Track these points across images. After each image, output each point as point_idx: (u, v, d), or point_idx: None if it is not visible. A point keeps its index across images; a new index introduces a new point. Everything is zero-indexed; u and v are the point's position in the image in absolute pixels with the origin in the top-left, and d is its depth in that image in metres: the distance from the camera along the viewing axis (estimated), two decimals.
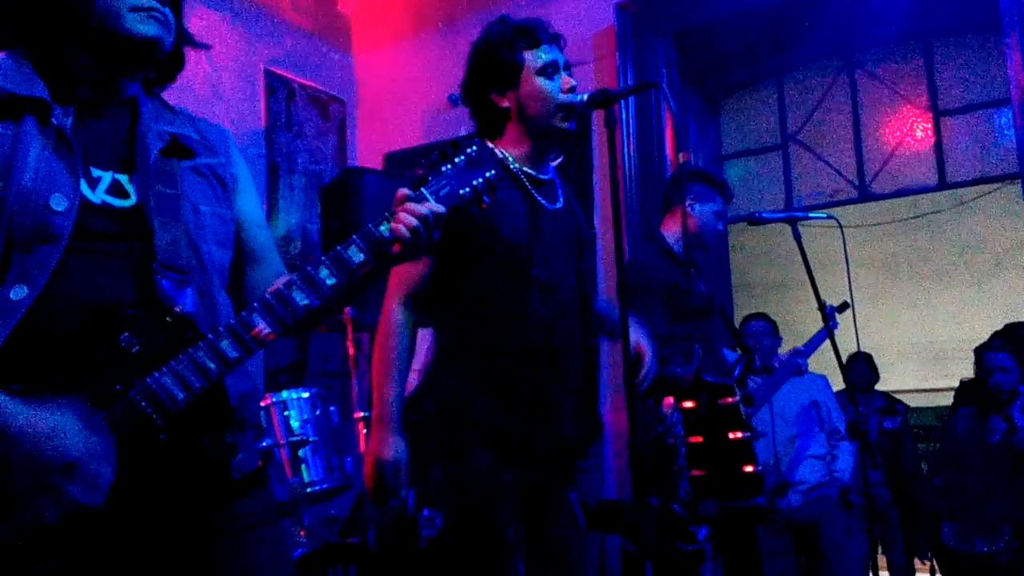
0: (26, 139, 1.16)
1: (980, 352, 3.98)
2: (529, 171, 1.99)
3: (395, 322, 1.90)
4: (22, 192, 1.13)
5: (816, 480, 3.78)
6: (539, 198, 1.97)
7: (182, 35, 1.33)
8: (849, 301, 3.38)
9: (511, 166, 1.95)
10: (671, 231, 3.08)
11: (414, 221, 1.22)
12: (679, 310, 2.89)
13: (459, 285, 1.92)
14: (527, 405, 1.86)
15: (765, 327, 4.01)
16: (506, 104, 1.97)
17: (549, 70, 1.96)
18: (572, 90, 1.96)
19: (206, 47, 1.38)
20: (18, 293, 1.10)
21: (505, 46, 1.96)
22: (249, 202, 1.41)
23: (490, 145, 1.95)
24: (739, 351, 3.24)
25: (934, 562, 4.33)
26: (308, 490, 2.88)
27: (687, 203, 3.03)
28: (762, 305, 4.61)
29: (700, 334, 2.96)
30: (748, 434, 2.40)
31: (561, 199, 2.04)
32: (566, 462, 1.98)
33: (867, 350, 4.07)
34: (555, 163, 2.10)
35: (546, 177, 2.03)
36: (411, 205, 1.24)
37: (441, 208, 1.25)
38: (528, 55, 1.96)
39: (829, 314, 3.39)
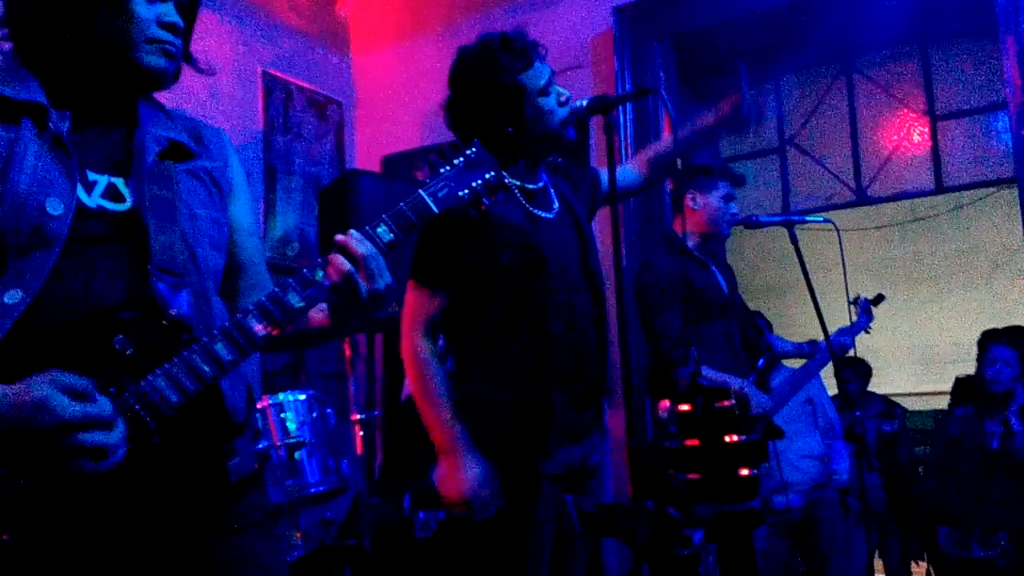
0: (22, 143, 1.16)
1: (985, 343, 3.92)
2: (527, 185, 1.98)
3: (422, 354, 1.89)
4: (17, 196, 1.13)
5: (814, 480, 3.77)
6: (535, 211, 1.96)
7: (187, 57, 1.34)
8: (884, 294, 3.41)
9: (508, 181, 1.93)
10: (680, 230, 3.09)
11: (347, 267, 1.20)
12: (697, 309, 2.90)
13: (476, 313, 1.91)
14: (557, 423, 1.88)
15: (763, 327, 4.01)
16: (510, 130, 1.92)
17: (548, 87, 1.94)
18: (567, 101, 1.95)
19: (211, 73, 1.39)
20: (12, 297, 1.10)
21: (504, 71, 1.90)
22: (243, 208, 1.41)
23: None
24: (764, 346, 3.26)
25: (930, 566, 4.33)
26: (305, 492, 2.87)
27: (688, 199, 3.05)
28: (759, 308, 4.61)
29: (720, 332, 2.98)
30: (744, 437, 2.40)
31: (556, 203, 2.03)
32: (588, 467, 2.01)
33: (864, 353, 4.06)
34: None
35: (538, 185, 2.02)
36: (352, 246, 1.21)
37: (374, 251, 1.22)
38: (527, 77, 1.92)
39: (864, 307, 3.40)
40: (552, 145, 1.98)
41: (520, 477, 1.84)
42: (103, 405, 1.05)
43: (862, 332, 3.45)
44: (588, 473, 1.99)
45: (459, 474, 1.82)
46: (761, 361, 3.10)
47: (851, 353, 3.49)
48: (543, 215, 1.97)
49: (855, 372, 4.63)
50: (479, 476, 1.81)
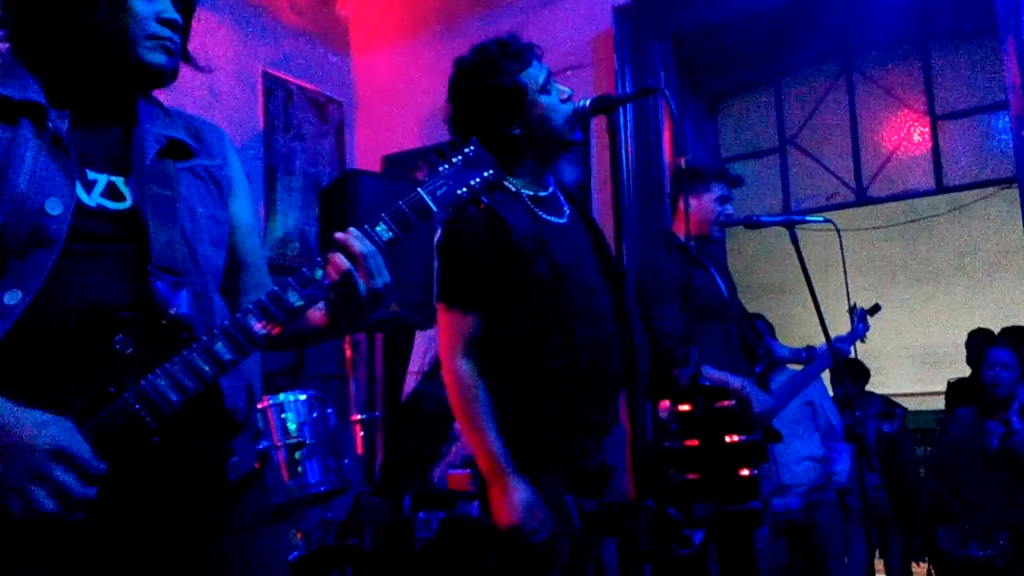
0: (21, 143, 1.16)
1: (983, 347, 3.91)
2: (539, 194, 1.99)
3: (465, 375, 1.87)
4: (17, 196, 1.13)
5: (813, 482, 3.77)
6: (549, 218, 1.97)
7: (185, 55, 1.35)
8: (879, 303, 3.42)
9: (521, 192, 1.94)
10: (680, 231, 3.12)
11: (346, 265, 1.20)
12: (695, 310, 2.92)
13: (500, 325, 1.90)
14: (588, 425, 1.90)
15: (764, 329, 4.01)
16: (517, 131, 1.94)
17: (548, 86, 1.96)
18: (569, 99, 1.96)
19: (208, 71, 1.40)
20: (12, 297, 1.10)
21: (503, 73, 1.92)
22: (243, 206, 1.41)
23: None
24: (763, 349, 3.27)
25: (930, 565, 4.33)
26: (305, 492, 2.87)
27: (683, 202, 3.09)
28: (759, 308, 4.61)
29: (718, 334, 2.99)
30: (744, 437, 2.40)
31: (566, 208, 2.04)
32: (606, 467, 2.01)
33: (864, 353, 4.06)
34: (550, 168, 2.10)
35: (548, 192, 2.03)
36: (351, 244, 1.21)
37: (373, 249, 1.22)
38: (526, 76, 1.94)
39: (859, 316, 3.42)
40: (559, 144, 1.98)
41: (559, 482, 1.84)
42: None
43: (859, 340, 3.46)
44: (607, 473, 2.00)
45: (509, 500, 1.80)
46: (759, 366, 3.11)
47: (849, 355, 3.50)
48: (556, 221, 1.98)
49: (852, 374, 4.63)
50: (529, 501, 1.79)
